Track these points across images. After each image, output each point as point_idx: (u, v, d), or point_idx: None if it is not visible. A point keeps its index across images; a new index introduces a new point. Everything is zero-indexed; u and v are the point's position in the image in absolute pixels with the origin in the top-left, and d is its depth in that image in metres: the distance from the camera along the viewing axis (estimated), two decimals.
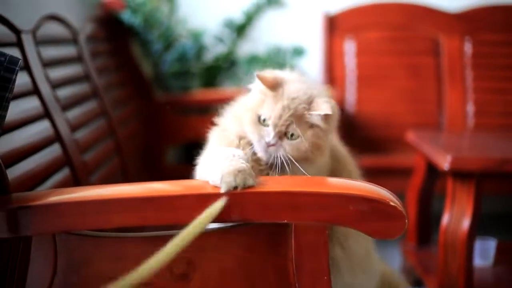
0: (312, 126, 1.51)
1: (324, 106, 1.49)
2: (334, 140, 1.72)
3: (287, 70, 1.68)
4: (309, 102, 1.51)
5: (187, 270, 1.32)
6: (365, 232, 1.26)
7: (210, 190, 1.29)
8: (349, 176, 1.68)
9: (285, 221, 1.27)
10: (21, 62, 1.34)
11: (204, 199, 1.26)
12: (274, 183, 1.32)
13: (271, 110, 1.50)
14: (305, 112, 1.50)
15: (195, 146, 1.78)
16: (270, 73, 1.55)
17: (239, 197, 1.26)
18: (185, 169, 1.69)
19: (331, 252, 1.57)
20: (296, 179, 1.41)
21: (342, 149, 1.76)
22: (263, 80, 1.52)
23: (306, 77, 1.63)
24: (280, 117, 1.49)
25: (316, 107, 1.50)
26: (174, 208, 1.27)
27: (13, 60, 1.31)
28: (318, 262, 1.29)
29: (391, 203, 1.23)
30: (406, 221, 1.23)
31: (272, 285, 1.33)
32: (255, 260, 1.32)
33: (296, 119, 1.49)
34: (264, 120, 1.51)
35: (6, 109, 1.32)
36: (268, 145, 1.48)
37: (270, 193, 1.26)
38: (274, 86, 1.53)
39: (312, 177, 1.44)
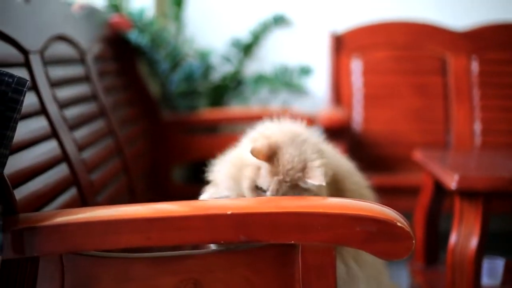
0: (307, 189, 1.51)
1: (317, 175, 1.48)
2: (335, 158, 1.72)
3: (279, 122, 1.67)
4: (303, 169, 1.51)
5: None
6: (372, 253, 1.26)
7: (216, 211, 1.29)
8: (356, 186, 1.68)
9: (292, 241, 1.27)
10: (29, 83, 1.34)
11: (211, 219, 1.27)
12: (282, 204, 1.32)
13: (268, 182, 1.50)
14: (300, 182, 1.50)
15: (202, 165, 1.78)
16: (263, 143, 1.53)
17: (246, 218, 1.25)
18: (192, 188, 1.69)
19: (346, 264, 1.58)
20: (303, 200, 1.41)
21: (344, 166, 1.76)
22: (258, 155, 1.52)
23: (299, 132, 1.62)
24: (277, 190, 1.49)
25: (310, 175, 1.49)
26: (181, 228, 1.27)
27: (21, 82, 1.32)
28: (326, 282, 1.28)
29: (398, 224, 1.22)
30: (414, 241, 1.23)
31: None
32: (262, 280, 1.31)
33: (292, 187, 1.50)
34: (261, 188, 1.52)
35: (14, 129, 1.33)
36: None
37: (278, 214, 1.26)
38: (270, 157, 1.53)
39: (319, 197, 1.44)
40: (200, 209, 1.30)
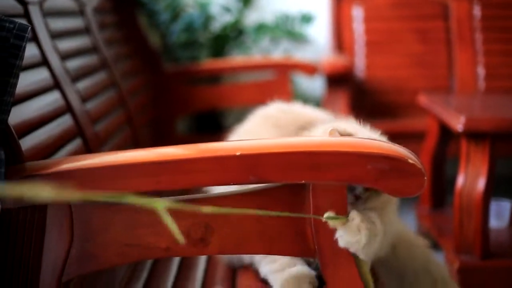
0: None
1: None
2: None
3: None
4: None
5: (205, 234, 1.31)
6: (384, 190, 1.25)
7: (225, 153, 1.28)
8: None
9: (303, 181, 1.26)
10: (30, 29, 1.32)
11: (220, 161, 1.25)
12: (292, 143, 1.31)
13: None
14: None
15: (205, 116, 1.77)
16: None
17: (255, 159, 1.24)
18: (196, 139, 1.67)
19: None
20: (314, 139, 1.39)
21: None
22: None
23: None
24: None
25: None
26: (190, 171, 1.26)
27: (22, 27, 1.30)
28: None
29: (410, 161, 1.21)
30: (425, 178, 1.22)
31: (291, 246, 1.32)
32: (273, 222, 1.31)
33: None
34: None
35: (17, 76, 1.31)
36: None
37: (287, 153, 1.25)
38: None
39: (330, 137, 1.42)
40: (208, 152, 1.29)
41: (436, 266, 1.84)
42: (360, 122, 1.62)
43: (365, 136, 1.51)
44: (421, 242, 1.86)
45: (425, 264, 1.83)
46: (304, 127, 1.72)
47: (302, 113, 1.86)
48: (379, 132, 1.59)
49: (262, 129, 1.81)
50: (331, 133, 1.44)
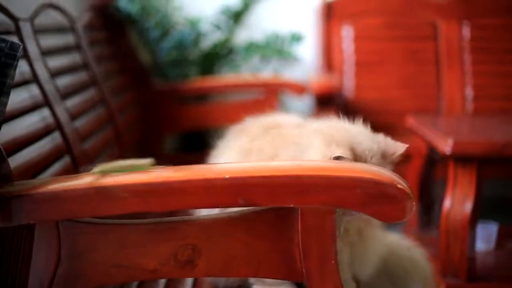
0: None
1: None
2: None
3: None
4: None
5: (192, 256, 1.31)
6: (372, 215, 1.25)
7: (212, 175, 1.28)
8: None
9: (292, 205, 1.26)
10: (21, 48, 1.32)
11: (208, 183, 1.25)
12: (281, 167, 1.31)
13: None
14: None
15: (193, 135, 1.78)
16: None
17: (244, 182, 1.24)
18: (184, 158, 1.68)
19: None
20: (302, 163, 1.40)
21: None
22: None
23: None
24: None
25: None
26: (179, 193, 1.26)
27: (14, 46, 1.30)
28: (325, 246, 1.27)
29: (399, 186, 1.21)
30: (414, 203, 1.22)
31: (279, 269, 1.32)
32: (261, 245, 1.31)
33: None
34: None
35: (7, 95, 1.31)
36: None
37: (277, 177, 1.25)
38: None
39: (318, 160, 1.43)
40: (197, 174, 1.29)
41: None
42: (341, 117, 1.65)
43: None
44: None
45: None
46: (270, 127, 1.72)
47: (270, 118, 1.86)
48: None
49: (235, 141, 1.82)
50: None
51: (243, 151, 1.72)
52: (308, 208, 1.27)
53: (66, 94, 2.06)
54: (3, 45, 1.28)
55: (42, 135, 1.76)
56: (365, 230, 1.67)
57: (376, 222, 1.66)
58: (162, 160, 3.04)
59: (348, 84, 3.77)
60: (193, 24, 3.72)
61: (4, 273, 1.34)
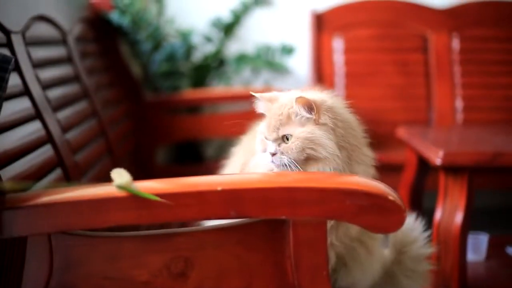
0: (304, 124, 1.50)
1: (301, 97, 1.49)
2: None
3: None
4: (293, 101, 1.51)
5: (185, 268, 1.31)
6: (364, 227, 1.26)
7: (205, 188, 1.28)
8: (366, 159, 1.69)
9: (283, 217, 1.27)
10: (13, 61, 1.33)
11: (200, 196, 1.26)
12: (272, 179, 1.32)
13: (266, 124, 1.53)
14: (290, 111, 1.51)
15: (185, 146, 1.78)
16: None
17: (236, 194, 1.25)
18: (176, 169, 1.68)
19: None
20: (294, 175, 1.40)
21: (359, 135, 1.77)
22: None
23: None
24: (269, 125, 1.52)
25: (296, 101, 1.50)
26: (171, 206, 1.26)
27: (6, 59, 1.30)
28: (317, 257, 1.28)
29: (390, 197, 1.22)
30: (405, 214, 1.23)
31: (271, 282, 1.33)
32: (253, 257, 1.31)
33: (286, 121, 1.50)
34: (266, 137, 1.53)
35: (0, 107, 1.31)
36: (272, 154, 1.49)
37: (268, 189, 1.25)
38: (272, 100, 1.57)
39: (310, 172, 1.43)
40: (189, 186, 1.30)
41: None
42: (325, 90, 1.65)
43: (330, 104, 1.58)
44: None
45: None
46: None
47: None
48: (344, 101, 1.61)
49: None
50: (299, 100, 1.47)
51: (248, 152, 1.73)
52: (299, 220, 1.27)
53: (57, 106, 2.06)
54: None
55: (34, 147, 1.76)
56: (368, 242, 1.67)
57: (377, 235, 1.67)
58: (155, 171, 3.07)
59: (339, 95, 3.78)
60: (185, 36, 3.73)
61: None
